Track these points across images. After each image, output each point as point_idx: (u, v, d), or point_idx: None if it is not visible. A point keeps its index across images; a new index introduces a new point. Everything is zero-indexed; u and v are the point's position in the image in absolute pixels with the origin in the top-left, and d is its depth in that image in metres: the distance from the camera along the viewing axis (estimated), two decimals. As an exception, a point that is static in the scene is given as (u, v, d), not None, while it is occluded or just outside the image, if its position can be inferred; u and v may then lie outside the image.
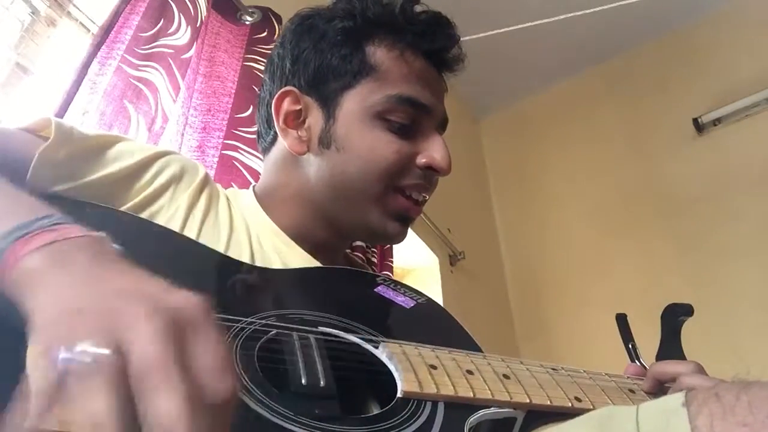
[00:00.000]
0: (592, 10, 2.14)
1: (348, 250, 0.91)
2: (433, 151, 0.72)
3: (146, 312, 0.33)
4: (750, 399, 0.32)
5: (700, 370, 0.66)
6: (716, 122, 2.40)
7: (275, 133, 0.77)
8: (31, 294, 0.37)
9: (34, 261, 0.38)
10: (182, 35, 1.30)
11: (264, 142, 0.81)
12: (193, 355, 0.33)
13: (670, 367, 0.66)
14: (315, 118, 0.74)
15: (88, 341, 0.32)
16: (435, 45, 0.75)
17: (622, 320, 0.79)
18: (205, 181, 0.72)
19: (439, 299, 2.17)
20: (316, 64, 0.74)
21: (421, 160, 0.72)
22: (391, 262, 1.74)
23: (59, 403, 0.31)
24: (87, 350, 0.32)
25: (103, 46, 1.18)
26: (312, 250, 0.74)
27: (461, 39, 0.79)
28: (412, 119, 0.72)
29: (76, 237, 0.41)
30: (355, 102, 0.72)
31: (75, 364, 0.31)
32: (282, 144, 0.76)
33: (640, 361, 0.74)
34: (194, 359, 0.32)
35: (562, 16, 2.14)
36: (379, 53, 0.73)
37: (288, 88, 0.75)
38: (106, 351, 0.31)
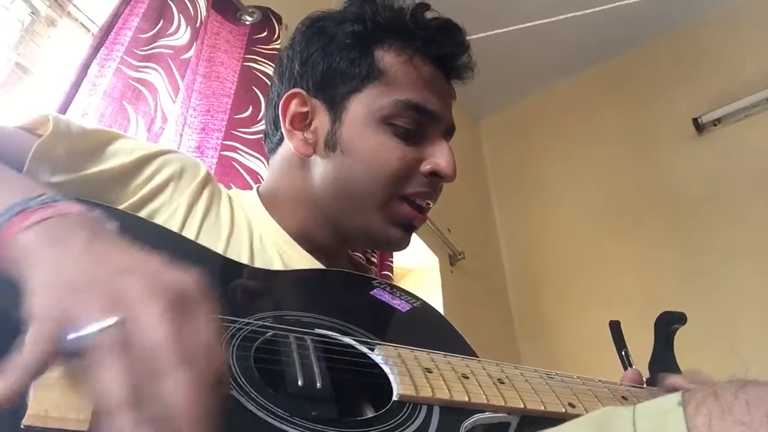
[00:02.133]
0: (592, 10, 2.14)
1: (349, 251, 0.91)
2: (438, 157, 0.72)
3: (149, 290, 0.35)
4: (748, 398, 0.32)
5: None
6: (716, 122, 2.40)
7: (282, 134, 0.77)
8: (29, 270, 0.37)
9: (31, 236, 0.39)
10: (182, 35, 1.30)
11: (270, 143, 0.82)
12: (192, 333, 0.34)
13: (673, 382, 0.67)
14: (321, 121, 0.74)
15: (93, 318, 0.33)
16: (444, 51, 0.75)
17: (615, 327, 0.79)
18: (207, 180, 0.73)
19: (439, 299, 2.18)
20: (324, 67, 0.74)
21: (426, 166, 0.72)
22: (391, 262, 1.74)
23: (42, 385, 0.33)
24: (93, 327, 0.33)
25: (103, 48, 1.18)
26: (315, 251, 0.74)
27: (461, 39, 0.78)
28: (419, 125, 0.72)
29: (73, 213, 0.41)
30: (361, 106, 0.72)
31: (82, 342, 0.33)
32: (288, 145, 0.76)
33: (632, 369, 0.74)
34: (193, 338, 0.34)
35: (562, 16, 2.14)
36: (387, 58, 0.73)
37: (296, 90, 0.75)
38: (111, 324, 0.33)
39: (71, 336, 0.33)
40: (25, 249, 0.39)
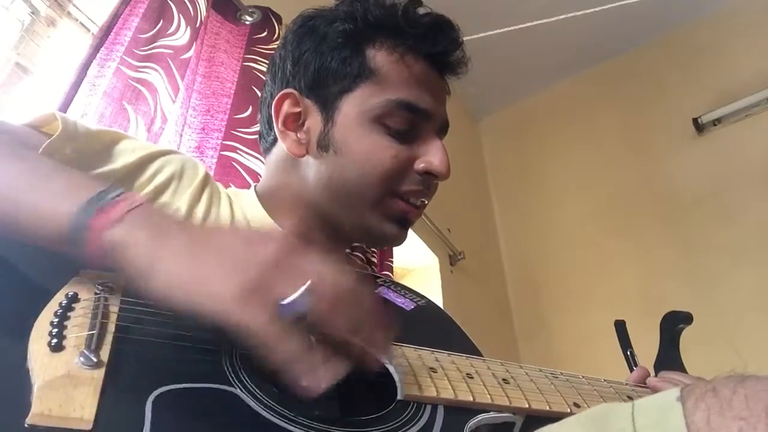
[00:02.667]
0: (592, 10, 2.14)
1: (348, 251, 0.91)
2: (431, 156, 0.72)
3: (306, 257, 0.44)
4: (747, 393, 0.32)
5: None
6: (716, 122, 2.40)
7: (276, 134, 0.77)
8: (152, 266, 0.41)
9: (125, 233, 0.43)
10: (181, 35, 1.30)
11: (265, 143, 0.81)
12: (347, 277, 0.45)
13: (675, 379, 0.67)
14: (314, 121, 0.74)
15: (285, 287, 0.41)
16: (436, 48, 0.74)
17: (620, 327, 0.79)
18: (206, 180, 0.73)
19: (439, 299, 2.17)
20: (316, 67, 0.73)
21: (419, 165, 0.72)
22: (391, 262, 1.74)
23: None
24: (300, 293, 0.40)
25: (102, 48, 1.18)
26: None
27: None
28: (411, 124, 0.71)
29: (143, 203, 0.45)
30: (353, 106, 0.71)
31: (300, 306, 0.40)
32: (282, 145, 0.76)
33: (638, 368, 0.74)
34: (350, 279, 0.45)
35: (562, 16, 2.14)
36: (379, 57, 0.72)
37: (288, 90, 0.75)
38: (308, 286, 0.41)
39: (287, 301, 0.40)
40: (124, 242, 0.42)
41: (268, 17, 1.61)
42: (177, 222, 0.46)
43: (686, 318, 0.73)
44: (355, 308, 0.44)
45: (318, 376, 0.40)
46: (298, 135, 0.74)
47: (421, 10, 0.75)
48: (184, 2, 1.33)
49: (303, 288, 0.40)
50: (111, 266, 0.43)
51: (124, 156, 0.66)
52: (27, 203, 0.46)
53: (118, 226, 0.42)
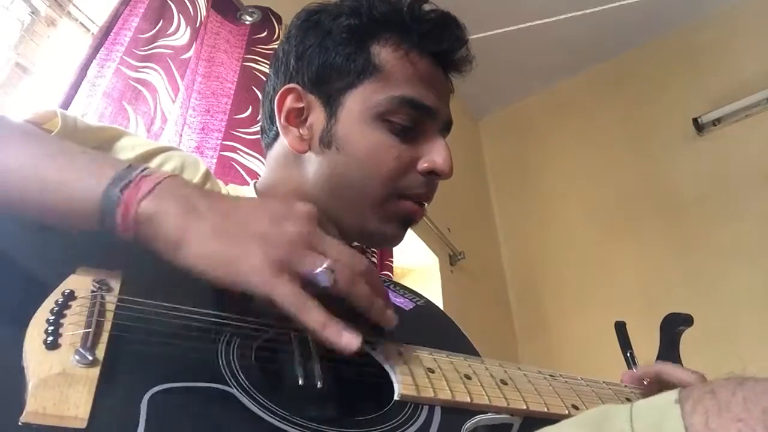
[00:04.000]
0: (592, 10, 2.14)
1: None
2: (435, 154, 0.71)
3: (325, 236, 0.49)
4: (745, 395, 0.32)
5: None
6: (716, 122, 2.40)
7: (278, 129, 0.76)
8: (183, 237, 0.44)
9: (156, 205, 0.45)
10: (181, 35, 1.30)
11: (267, 138, 0.81)
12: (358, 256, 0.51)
13: (677, 373, 0.67)
14: (317, 117, 0.73)
15: (310, 263, 0.46)
16: (441, 46, 0.74)
17: (620, 328, 0.79)
18: (207, 177, 0.73)
19: (439, 299, 2.18)
20: (320, 62, 0.73)
21: (422, 164, 0.71)
22: (391, 262, 1.74)
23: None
24: (323, 268, 0.46)
25: (102, 48, 1.18)
26: None
27: (463, 40, 0.78)
28: (415, 121, 0.71)
29: (169, 176, 0.48)
30: (357, 102, 0.71)
31: (323, 280, 0.46)
32: (284, 141, 0.75)
33: (637, 370, 0.74)
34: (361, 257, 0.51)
35: (562, 16, 2.14)
36: (383, 53, 0.72)
37: (291, 85, 0.74)
38: (329, 263, 0.46)
39: (316, 270, 0.46)
40: (164, 218, 0.45)
41: (268, 17, 1.61)
42: (205, 194, 0.48)
43: (686, 320, 0.72)
44: (368, 285, 0.49)
45: (348, 336, 0.46)
46: (301, 130, 0.74)
47: (426, 7, 0.75)
48: (184, 2, 1.33)
49: (326, 264, 0.46)
50: (141, 239, 0.45)
51: (124, 153, 0.66)
52: (52, 182, 0.47)
53: (148, 199, 0.45)
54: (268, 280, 0.44)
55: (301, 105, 0.74)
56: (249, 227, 0.46)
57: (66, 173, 0.48)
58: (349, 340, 0.46)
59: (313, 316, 0.45)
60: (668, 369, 0.69)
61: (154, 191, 0.45)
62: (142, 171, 0.47)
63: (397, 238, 0.75)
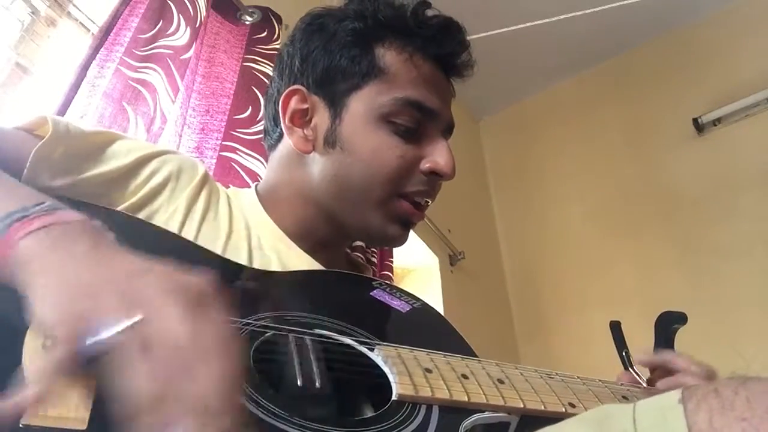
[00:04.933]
0: (592, 10, 2.14)
1: (348, 250, 0.91)
2: (437, 156, 0.72)
3: (165, 290, 0.35)
4: (748, 394, 0.33)
5: (710, 374, 0.66)
6: (716, 122, 2.40)
7: (281, 130, 0.77)
8: (33, 276, 0.38)
9: (32, 242, 0.39)
10: (181, 36, 1.30)
11: (270, 140, 0.81)
12: (211, 330, 0.35)
13: (681, 360, 0.67)
14: (321, 118, 0.74)
15: (110, 320, 0.34)
16: (444, 50, 0.75)
17: (615, 328, 0.79)
18: (205, 179, 0.73)
19: (439, 299, 2.18)
20: (324, 64, 0.74)
21: (425, 165, 0.72)
22: (391, 262, 1.74)
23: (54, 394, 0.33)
24: (114, 329, 0.33)
25: (102, 49, 1.18)
26: (312, 249, 0.74)
27: (462, 39, 0.78)
28: (418, 123, 0.72)
29: (74, 221, 0.42)
30: (361, 103, 0.72)
31: (102, 344, 0.33)
32: (287, 142, 0.76)
33: (633, 369, 0.74)
34: (213, 334, 0.35)
35: (562, 16, 2.14)
36: (388, 56, 0.73)
37: (296, 86, 0.75)
38: (131, 323, 0.33)
39: (91, 340, 0.33)
40: (27, 255, 0.39)
41: (267, 17, 1.61)
42: (94, 241, 0.40)
43: (680, 318, 0.73)
44: (179, 376, 0.32)
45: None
46: (305, 131, 0.74)
47: (430, 12, 0.76)
48: (184, 2, 1.33)
49: (123, 324, 0.33)
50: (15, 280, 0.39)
51: (119, 157, 0.66)
52: None
53: (28, 239, 0.39)
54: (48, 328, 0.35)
55: (305, 106, 0.75)
56: (85, 276, 0.37)
57: None
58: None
59: (42, 384, 0.33)
60: (670, 357, 0.69)
61: (34, 232, 0.40)
62: (47, 209, 0.42)
63: (400, 239, 0.76)
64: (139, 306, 0.34)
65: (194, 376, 0.32)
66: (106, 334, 0.33)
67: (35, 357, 0.38)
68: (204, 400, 0.32)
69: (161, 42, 1.27)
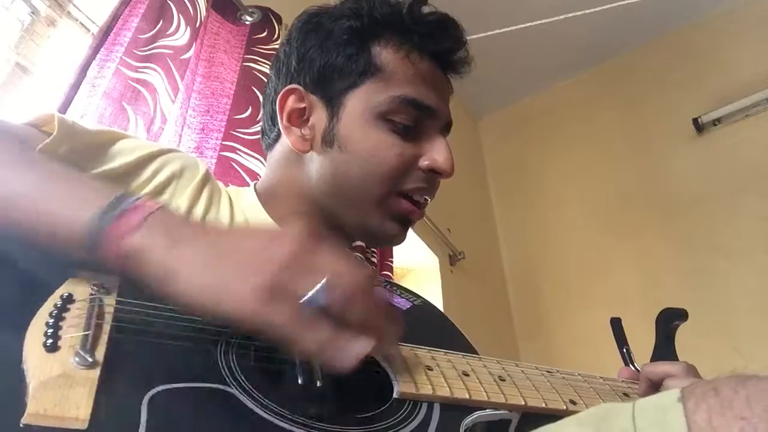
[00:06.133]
0: (592, 10, 2.14)
1: (347, 249, 0.91)
2: (436, 153, 0.72)
3: (320, 253, 0.45)
4: (748, 393, 0.32)
5: (691, 370, 0.66)
6: (716, 122, 2.40)
7: (279, 130, 0.77)
8: (170, 272, 0.42)
9: (142, 239, 0.43)
10: (181, 36, 1.30)
11: (268, 139, 0.81)
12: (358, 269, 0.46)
13: (659, 367, 0.66)
14: (319, 117, 0.74)
15: (304, 284, 0.43)
16: (441, 47, 0.75)
17: (616, 324, 0.79)
18: (206, 178, 0.73)
19: (439, 299, 2.18)
20: (321, 63, 0.74)
21: (423, 162, 0.72)
22: (391, 261, 1.74)
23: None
24: (318, 288, 0.43)
25: (102, 49, 1.18)
26: None
27: (463, 40, 0.78)
28: (416, 121, 0.72)
29: (159, 208, 0.46)
30: (359, 102, 0.72)
31: (320, 300, 0.43)
32: (285, 141, 0.76)
33: (634, 365, 0.74)
34: (361, 272, 0.46)
35: (562, 16, 2.14)
36: (384, 54, 0.73)
37: (293, 86, 0.75)
38: (326, 281, 0.43)
39: (307, 296, 0.42)
40: (148, 245, 0.43)
41: (267, 17, 1.61)
42: (193, 226, 0.47)
43: (681, 315, 0.73)
44: (368, 300, 0.46)
45: (347, 355, 0.43)
46: (303, 131, 0.74)
47: (426, 9, 0.76)
48: (184, 2, 1.33)
49: (321, 283, 0.42)
50: (130, 273, 0.44)
51: (123, 156, 0.66)
52: (44, 212, 0.47)
53: (135, 234, 0.43)
54: (259, 309, 0.41)
55: (302, 105, 0.74)
56: (235, 256, 0.43)
57: (56, 203, 0.47)
58: (343, 361, 0.43)
59: (310, 337, 0.42)
60: (649, 368, 0.68)
61: (142, 225, 0.44)
62: (133, 202, 0.46)
63: (399, 237, 0.75)
64: (315, 271, 0.43)
65: (376, 298, 0.47)
66: (313, 291, 0.42)
67: (37, 358, 0.38)
68: (385, 310, 0.48)
69: (161, 42, 1.27)
